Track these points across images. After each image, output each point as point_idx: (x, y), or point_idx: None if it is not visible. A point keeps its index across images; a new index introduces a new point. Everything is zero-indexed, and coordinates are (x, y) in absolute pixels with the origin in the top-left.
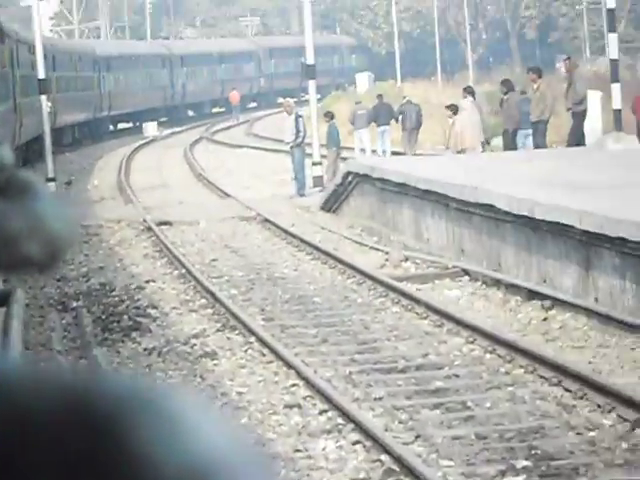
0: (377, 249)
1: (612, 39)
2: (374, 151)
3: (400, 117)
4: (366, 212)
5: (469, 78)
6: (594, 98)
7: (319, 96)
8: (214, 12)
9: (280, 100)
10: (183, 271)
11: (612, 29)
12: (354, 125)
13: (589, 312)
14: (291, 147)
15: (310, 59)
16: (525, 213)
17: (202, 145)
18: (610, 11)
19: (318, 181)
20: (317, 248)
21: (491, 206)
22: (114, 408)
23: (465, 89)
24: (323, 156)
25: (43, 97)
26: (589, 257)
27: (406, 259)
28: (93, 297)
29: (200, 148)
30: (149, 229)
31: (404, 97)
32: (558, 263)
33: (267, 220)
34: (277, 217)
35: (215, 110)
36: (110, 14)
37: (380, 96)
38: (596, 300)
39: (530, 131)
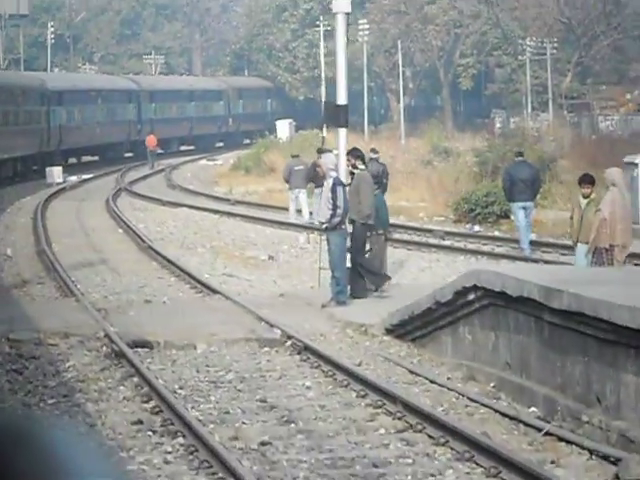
0: (569, 442)
1: None
2: (311, 213)
3: None
4: (503, 357)
5: (400, 131)
6: None
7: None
8: (114, 48)
9: (246, 141)
10: (220, 475)
11: None
12: (289, 183)
13: None
14: (326, 228)
15: (342, 98)
16: None
17: (124, 199)
18: None
19: None
20: (443, 426)
21: None
22: None
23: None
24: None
25: None
26: None
27: None
28: None
29: (124, 203)
30: (118, 355)
31: (372, 151)
32: None
33: (307, 348)
34: (320, 343)
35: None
36: (3, 45)
37: (321, 151)
38: None
39: None
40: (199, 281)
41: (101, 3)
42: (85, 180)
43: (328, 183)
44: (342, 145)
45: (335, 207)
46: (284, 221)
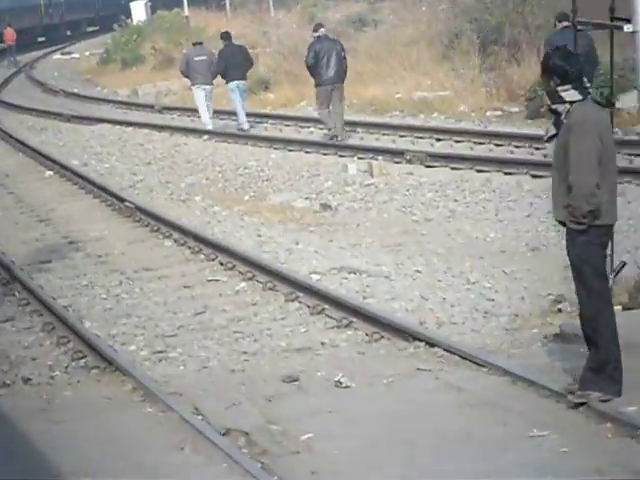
0: None
1: None
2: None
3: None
4: None
5: (267, 3)
6: None
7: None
8: None
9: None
10: None
11: None
12: (190, 79)
13: None
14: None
15: None
16: None
17: (6, 116)
18: None
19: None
20: None
21: None
22: None
23: None
24: None
25: None
26: None
27: None
28: None
29: (10, 122)
30: None
31: (317, 27)
32: None
33: None
34: None
35: None
36: None
37: (227, 35)
38: None
39: None
40: (302, 286)
41: None
42: None
43: None
44: None
45: None
46: (297, 138)
